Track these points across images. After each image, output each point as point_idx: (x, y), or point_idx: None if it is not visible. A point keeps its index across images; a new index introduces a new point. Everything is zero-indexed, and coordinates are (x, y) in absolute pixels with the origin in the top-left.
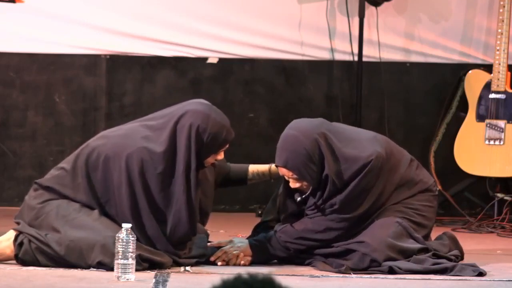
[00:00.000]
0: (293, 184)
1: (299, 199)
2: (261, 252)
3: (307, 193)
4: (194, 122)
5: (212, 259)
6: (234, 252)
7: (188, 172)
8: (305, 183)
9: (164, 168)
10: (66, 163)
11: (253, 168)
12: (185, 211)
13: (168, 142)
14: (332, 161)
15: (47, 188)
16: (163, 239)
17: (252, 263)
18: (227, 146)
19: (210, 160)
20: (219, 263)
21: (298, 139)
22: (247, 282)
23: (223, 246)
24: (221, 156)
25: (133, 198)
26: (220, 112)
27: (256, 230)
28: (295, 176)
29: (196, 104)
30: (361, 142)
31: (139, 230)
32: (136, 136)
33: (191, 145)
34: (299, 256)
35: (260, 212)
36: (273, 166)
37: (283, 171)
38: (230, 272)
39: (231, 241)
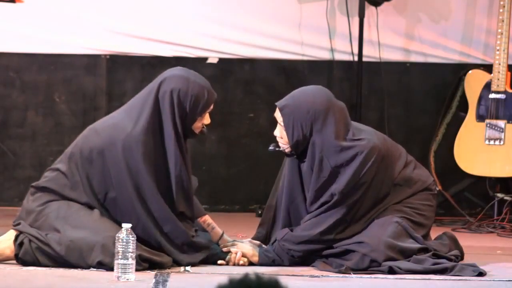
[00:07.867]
0: (277, 131)
1: (271, 148)
2: (268, 263)
3: (281, 148)
4: (175, 87)
5: (221, 245)
6: (241, 244)
7: (178, 135)
8: (286, 138)
9: (155, 141)
10: (60, 164)
11: (208, 219)
12: (184, 170)
13: (153, 112)
14: (326, 139)
15: (46, 190)
16: (172, 218)
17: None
18: (211, 108)
19: (197, 125)
20: (218, 262)
21: (309, 100)
22: (254, 283)
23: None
24: (207, 120)
25: (135, 183)
26: (199, 74)
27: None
28: (282, 124)
29: (174, 70)
30: (361, 132)
31: (147, 214)
32: (125, 122)
33: (175, 110)
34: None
35: (260, 212)
36: (225, 236)
37: (277, 113)
38: (229, 272)
39: (246, 242)
